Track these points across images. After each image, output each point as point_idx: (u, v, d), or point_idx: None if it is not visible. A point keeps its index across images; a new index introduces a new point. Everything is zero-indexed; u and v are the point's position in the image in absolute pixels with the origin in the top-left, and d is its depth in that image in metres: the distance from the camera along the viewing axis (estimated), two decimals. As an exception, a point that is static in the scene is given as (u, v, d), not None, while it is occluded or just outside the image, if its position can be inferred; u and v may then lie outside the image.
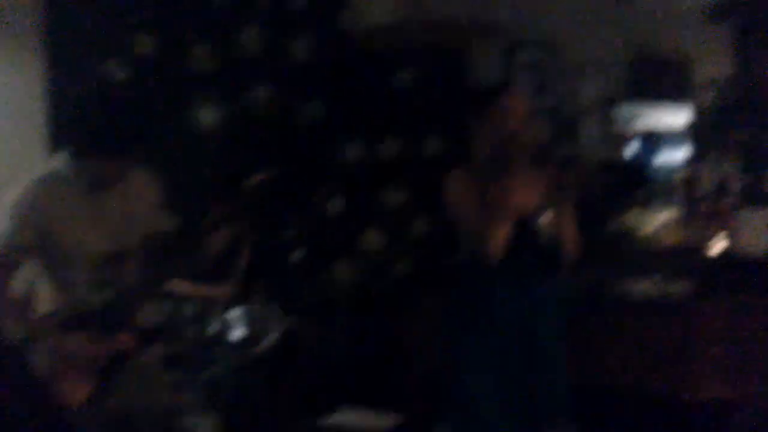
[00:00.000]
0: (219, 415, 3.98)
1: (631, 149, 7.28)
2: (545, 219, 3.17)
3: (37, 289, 3.11)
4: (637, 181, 6.19)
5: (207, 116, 5.40)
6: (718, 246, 5.29)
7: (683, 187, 5.92)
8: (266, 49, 5.60)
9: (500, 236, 3.04)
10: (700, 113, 7.21)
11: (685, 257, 5.23)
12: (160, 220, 3.15)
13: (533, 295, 3.21)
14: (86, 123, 2.85)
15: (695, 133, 7.16)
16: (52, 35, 4.90)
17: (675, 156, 7.37)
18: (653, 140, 7.37)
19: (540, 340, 3.22)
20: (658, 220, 5.77)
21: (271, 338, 4.36)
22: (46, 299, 3.04)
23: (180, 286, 4.29)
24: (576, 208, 3.19)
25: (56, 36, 4.91)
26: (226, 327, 4.27)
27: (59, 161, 2.98)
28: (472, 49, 6.31)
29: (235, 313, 4.32)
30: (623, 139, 7.24)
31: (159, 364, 3.23)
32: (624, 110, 7.19)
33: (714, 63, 7.41)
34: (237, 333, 4.30)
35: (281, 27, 5.66)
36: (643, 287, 4.56)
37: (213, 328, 4.18)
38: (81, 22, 4.97)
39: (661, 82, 7.23)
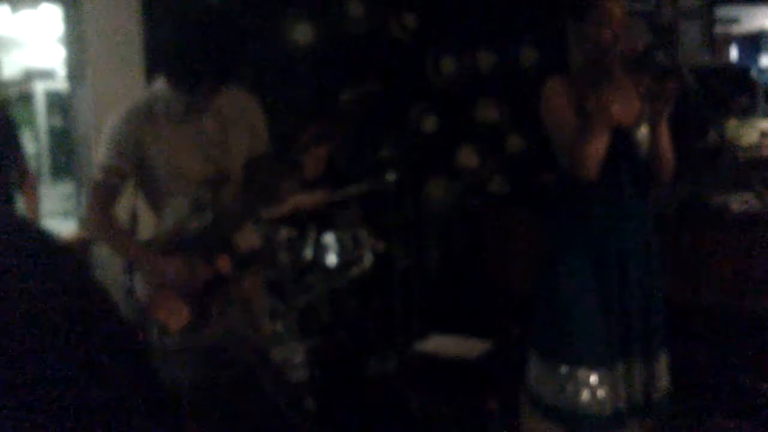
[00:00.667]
0: (314, 340, 4.01)
1: (732, 53, 7.05)
2: (643, 130, 3.08)
3: (139, 214, 3.20)
4: (738, 87, 5.99)
5: (301, 33, 5.39)
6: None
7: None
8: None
9: (599, 148, 2.92)
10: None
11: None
12: (257, 142, 3.12)
13: (630, 209, 3.12)
14: (178, 49, 2.82)
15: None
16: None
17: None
18: (756, 43, 7.11)
19: (637, 254, 3.15)
20: (759, 129, 5.58)
21: (365, 263, 4.35)
22: (147, 224, 3.10)
23: (275, 211, 4.31)
24: (675, 117, 3.08)
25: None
26: (319, 252, 4.28)
27: (156, 86, 2.98)
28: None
29: (328, 239, 4.31)
30: (724, 43, 6.99)
31: (257, 291, 3.20)
32: (725, 11, 6.93)
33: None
34: (330, 258, 4.30)
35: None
36: (743, 200, 4.44)
37: (307, 253, 4.19)
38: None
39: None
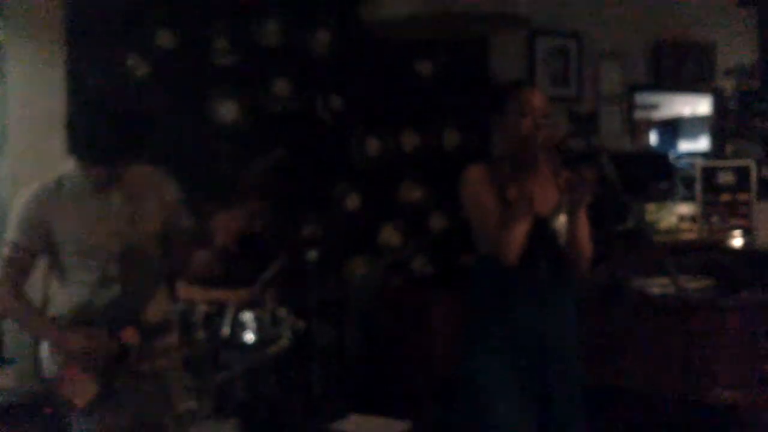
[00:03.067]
0: (231, 418, 3.97)
1: (652, 138, 7.22)
2: (562, 219, 3.12)
3: (50, 290, 3.16)
4: (657, 172, 6.13)
5: (226, 111, 5.40)
6: (737, 240, 5.24)
7: (702, 180, 5.83)
8: (285, 42, 5.57)
9: (519, 235, 2.97)
10: (722, 101, 7.13)
11: (704, 252, 5.18)
12: (169, 216, 3.14)
13: (550, 294, 3.14)
14: (87, 126, 2.88)
15: (716, 121, 7.08)
16: (73, 32, 4.93)
17: (695, 145, 7.30)
18: (674, 129, 7.30)
19: (556, 340, 3.18)
20: (677, 214, 5.71)
21: (283, 341, 4.34)
22: (57, 301, 3.08)
23: (190, 291, 4.30)
24: (595, 201, 3.13)
25: (78, 33, 4.94)
26: (237, 330, 4.26)
27: (66, 166, 3.03)
28: (492, 39, 6.26)
29: (246, 316, 4.30)
30: (644, 128, 7.17)
31: (171, 366, 3.19)
32: (645, 98, 7.13)
33: (736, 49, 7.35)
34: (249, 336, 4.28)
35: (300, 20, 5.62)
36: (661, 283, 4.51)
37: (224, 331, 4.16)
38: (103, 18, 4.99)
39: (683, 69, 7.14)
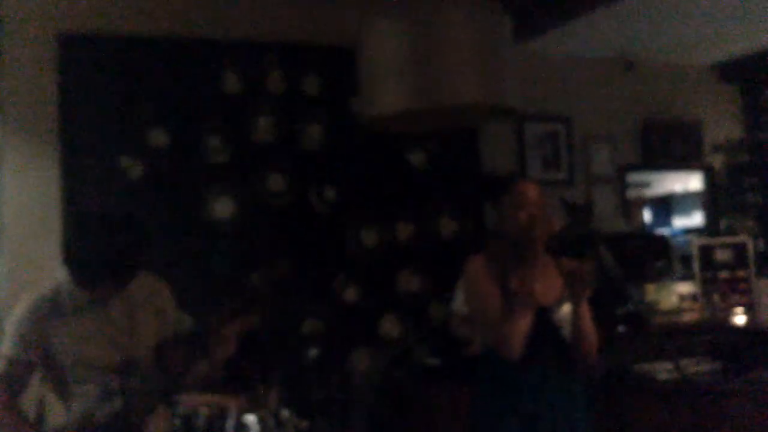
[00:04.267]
0: None
1: (646, 216, 7.25)
2: (565, 309, 3.10)
3: (47, 402, 3.14)
4: (654, 252, 6.14)
5: (221, 207, 5.42)
6: (740, 318, 5.22)
7: (699, 257, 5.84)
8: (278, 137, 5.62)
9: (521, 328, 2.97)
10: (712, 176, 7.19)
11: (707, 332, 5.16)
12: (166, 325, 3.14)
13: (555, 385, 3.12)
14: (79, 252, 2.85)
15: (708, 197, 7.12)
16: (67, 134, 5.02)
17: (690, 221, 7.33)
18: (667, 205, 7.34)
19: (564, 429, 3.15)
20: (677, 293, 5.70)
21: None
22: (55, 413, 3.05)
23: (192, 398, 4.25)
24: (595, 287, 3.12)
25: (72, 134, 5.03)
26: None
27: (61, 278, 2.98)
28: (483, 128, 6.31)
29: (250, 419, 4.24)
30: (638, 206, 7.20)
31: None
32: (637, 177, 7.17)
33: (722, 125, 7.43)
34: (253, 440, 4.21)
35: (292, 115, 5.69)
36: (666, 369, 4.48)
37: (228, 434, 4.10)
38: (96, 119, 5.08)
39: (671, 147, 7.20)
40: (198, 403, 4.15)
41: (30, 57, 5.00)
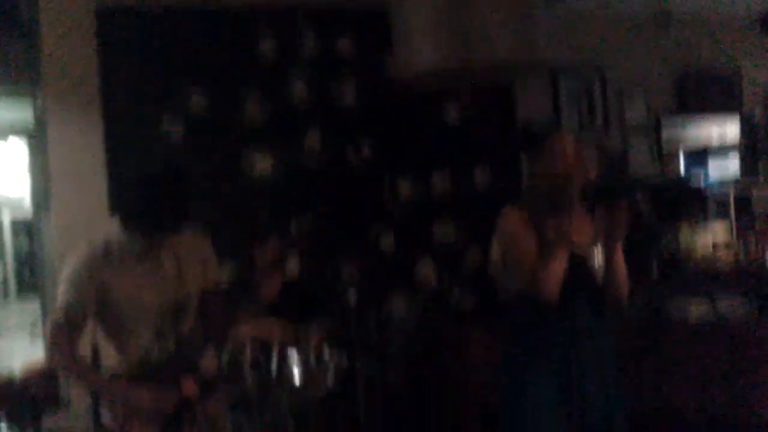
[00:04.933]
0: None
1: (681, 167, 7.24)
2: (598, 255, 3.17)
3: (102, 347, 3.31)
4: (689, 200, 6.15)
5: (260, 167, 5.54)
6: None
7: (735, 205, 5.83)
8: (314, 96, 5.71)
9: (557, 273, 3.04)
10: (750, 126, 7.15)
11: (739, 277, 5.18)
12: (210, 275, 3.27)
13: (589, 328, 3.18)
14: (134, 200, 3.00)
15: (746, 147, 7.09)
16: (110, 101, 5.14)
17: (726, 172, 7.29)
18: (702, 155, 7.31)
19: (596, 373, 3.19)
20: (711, 240, 5.72)
21: (329, 378, 4.39)
22: (110, 357, 3.17)
23: (238, 333, 4.37)
24: (630, 233, 3.17)
25: (114, 101, 5.15)
26: (284, 369, 4.31)
27: (114, 228, 3.11)
28: (518, 83, 6.35)
29: (293, 357, 4.35)
30: (673, 158, 7.19)
31: (222, 409, 3.34)
32: (673, 127, 7.16)
33: (762, 73, 7.36)
34: (295, 375, 4.33)
35: (328, 76, 5.78)
36: (699, 309, 4.52)
37: (272, 371, 4.22)
38: (137, 82, 5.19)
39: (709, 96, 7.17)
40: (244, 337, 4.28)
41: (69, 29, 5.09)
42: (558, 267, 3.03)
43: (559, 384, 3.15)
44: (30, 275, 8.79)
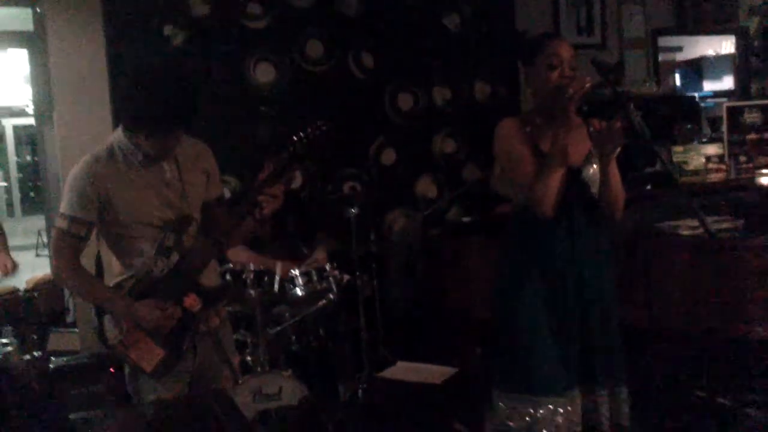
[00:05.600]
0: (284, 369, 4.07)
1: (676, 79, 7.27)
2: (593, 167, 3.19)
3: (105, 259, 3.25)
4: (684, 114, 6.17)
5: (262, 73, 5.57)
6: (765, 179, 5.29)
7: (729, 119, 5.85)
8: (315, 3, 5.73)
9: (555, 185, 3.03)
10: (746, 40, 7.15)
11: (732, 191, 5.23)
12: (212, 186, 3.24)
13: (585, 240, 3.18)
14: (134, 102, 2.90)
15: (740, 60, 7.10)
16: (110, 9, 5.13)
17: (720, 85, 7.33)
18: (698, 70, 7.33)
19: (593, 283, 3.19)
20: (704, 155, 5.77)
21: (330, 293, 4.46)
22: (113, 269, 3.16)
23: (240, 254, 4.45)
24: (624, 147, 3.20)
25: (114, 9, 5.14)
26: (286, 285, 4.37)
27: (116, 134, 3.07)
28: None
29: (294, 273, 4.41)
30: (668, 70, 7.21)
31: (224, 323, 3.32)
32: (668, 41, 7.17)
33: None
34: (297, 290, 4.40)
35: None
36: (690, 225, 4.58)
37: (274, 287, 4.28)
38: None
39: (705, 10, 7.16)
40: (244, 258, 4.36)
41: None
42: (556, 179, 3.04)
43: (556, 293, 3.20)
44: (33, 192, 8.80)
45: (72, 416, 2.66)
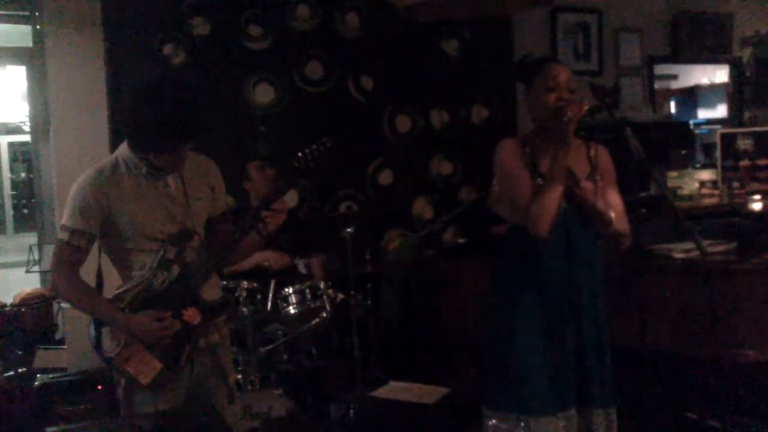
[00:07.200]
0: (276, 388, 4.07)
1: (671, 107, 7.32)
2: (590, 188, 3.21)
3: (106, 273, 3.27)
4: (678, 140, 6.21)
5: (261, 94, 5.62)
6: (757, 204, 5.32)
7: (723, 145, 5.89)
8: (316, 25, 5.79)
9: (553, 206, 3.05)
10: (739, 69, 7.22)
11: (725, 216, 5.26)
12: (217, 201, 3.24)
13: (579, 261, 3.20)
14: (138, 120, 2.91)
15: (734, 89, 7.16)
16: (111, 28, 5.16)
17: (714, 113, 7.38)
18: (692, 98, 7.39)
19: (586, 305, 3.23)
20: (698, 180, 5.80)
21: (324, 312, 4.45)
22: (112, 282, 3.16)
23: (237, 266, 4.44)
24: (619, 171, 3.21)
25: (115, 27, 5.17)
26: (279, 303, 4.39)
27: (120, 149, 3.08)
28: (515, 16, 6.42)
29: (288, 290, 4.42)
30: (664, 98, 7.26)
31: (223, 339, 3.29)
32: (664, 69, 7.23)
33: (753, 19, 7.41)
34: (290, 309, 4.41)
35: (330, 3, 5.85)
36: (684, 248, 4.59)
37: (267, 304, 4.29)
38: (139, 6, 5.23)
39: (700, 39, 7.23)
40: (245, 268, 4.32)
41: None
42: (552, 200, 3.06)
43: (549, 313, 3.20)
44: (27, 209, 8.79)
45: (49, 430, 2.61)
